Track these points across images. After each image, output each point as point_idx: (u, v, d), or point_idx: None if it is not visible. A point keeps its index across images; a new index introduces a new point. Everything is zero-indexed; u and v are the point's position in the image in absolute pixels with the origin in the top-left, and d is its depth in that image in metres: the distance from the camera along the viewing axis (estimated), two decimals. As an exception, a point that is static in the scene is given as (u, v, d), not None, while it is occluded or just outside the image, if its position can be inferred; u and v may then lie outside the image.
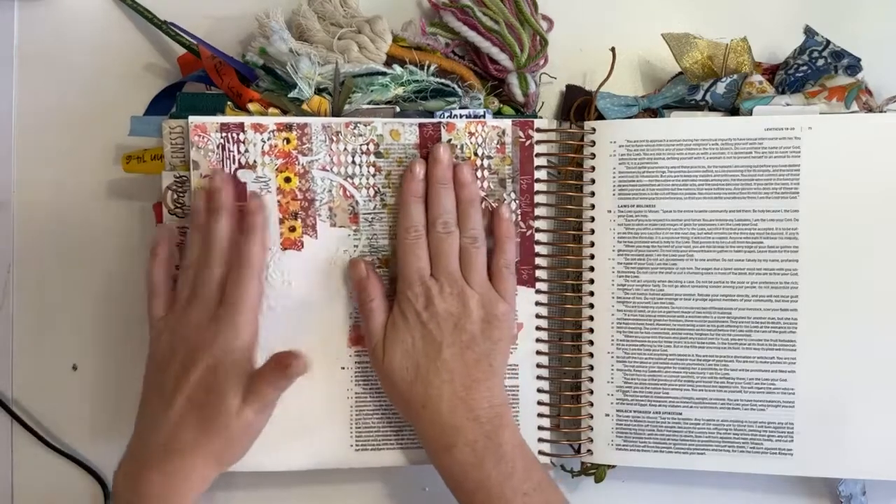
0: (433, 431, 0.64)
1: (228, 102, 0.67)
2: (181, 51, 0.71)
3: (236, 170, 0.66)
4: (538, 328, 0.70)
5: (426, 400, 0.64)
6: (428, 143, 0.67)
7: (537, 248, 0.69)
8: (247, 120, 0.66)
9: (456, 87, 0.69)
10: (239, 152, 0.66)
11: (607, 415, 0.70)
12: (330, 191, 0.67)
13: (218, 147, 0.65)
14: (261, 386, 0.60)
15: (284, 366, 0.59)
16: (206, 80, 0.69)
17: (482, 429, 0.63)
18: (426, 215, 0.67)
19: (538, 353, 0.70)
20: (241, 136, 0.66)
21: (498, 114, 0.70)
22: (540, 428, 0.70)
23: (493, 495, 0.62)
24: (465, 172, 0.67)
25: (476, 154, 0.68)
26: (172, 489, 0.59)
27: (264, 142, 0.66)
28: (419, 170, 0.67)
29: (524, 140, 0.68)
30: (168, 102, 0.70)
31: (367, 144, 0.67)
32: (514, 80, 0.69)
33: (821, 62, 0.69)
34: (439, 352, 0.64)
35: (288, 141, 0.66)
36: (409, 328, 0.65)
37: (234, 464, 0.62)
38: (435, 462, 0.65)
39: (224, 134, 0.65)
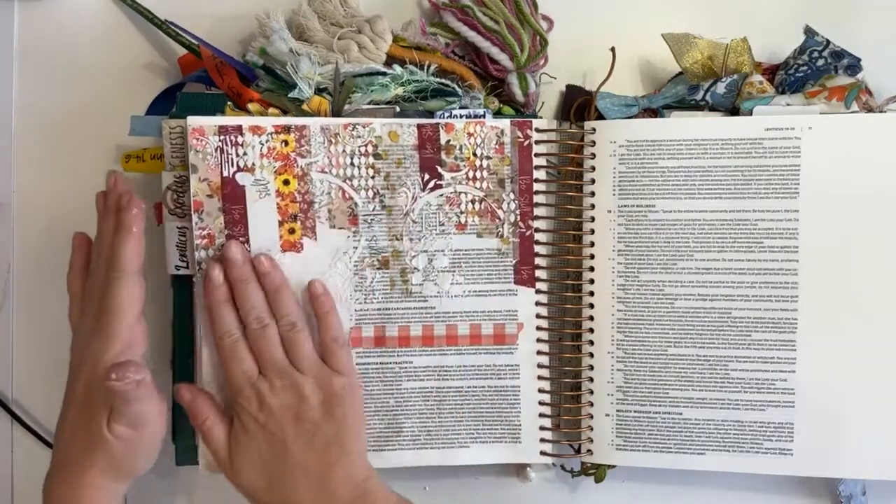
0: None
1: (228, 102, 0.67)
2: (181, 51, 0.71)
3: (235, 173, 0.66)
4: (538, 328, 0.70)
5: (286, 503, 0.62)
6: (427, 144, 0.67)
7: (537, 249, 0.69)
8: (245, 122, 0.66)
9: (456, 87, 0.69)
10: (237, 155, 0.66)
11: (607, 415, 0.70)
12: (329, 193, 0.67)
13: (216, 150, 0.65)
14: (115, 402, 0.58)
15: (108, 380, 0.57)
16: (207, 81, 0.69)
17: None
18: (238, 316, 0.65)
19: (539, 353, 0.70)
20: (240, 139, 0.66)
21: (498, 114, 0.69)
22: (541, 428, 0.70)
23: None
24: (263, 263, 0.65)
25: (475, 154, 0.68)
26: (74, 501, 0.59)
27: (262, 144, 0.66)
28: (217, 274, 0.64)
29: (522, 140, 0.68)
30: (168, 103, 0.70)
31: (366, 146, 0.67)
32: (514, 80, 0.69)
33: (821, 62, 0.68)
34: (286, 450, 0.62)
35: (286, 143, 0.66)
36: (251, 436, 0.63)
37: (138, 475, 0.62)
38: None
39: (222, 137, 0.65)
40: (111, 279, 0.61)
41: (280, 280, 0.65)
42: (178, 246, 0.67)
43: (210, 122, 0.65)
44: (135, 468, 0.61)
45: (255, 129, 0.66)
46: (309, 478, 0.62)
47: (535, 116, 0.70)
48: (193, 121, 0.65)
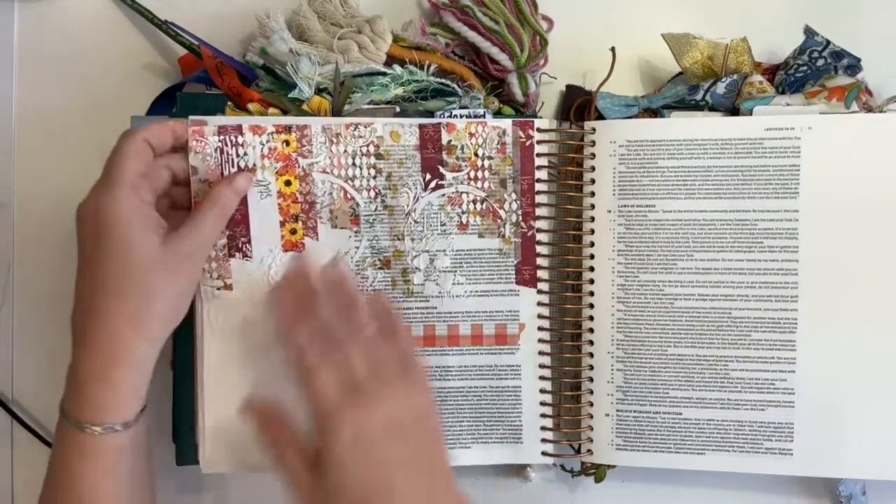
0: None
1: (228, 103, 0.67)
2: (181, 51, 0.71)
3: (235, 174, 0.66)
4: (540, 329, 0.70)
5: None
6: (428, 144, 0.67)
7: (538, 249, 0.69)
8: (245, 122, 0.65)
9: (456, 87, 0.69)
10: (238, 155, 0.65)
11: (607, 415, 0.70)
12: (330, 193, 0.67)
13: (216, 151, 0.65)
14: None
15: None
16: (207, 81, 0.69)
17: None
18: (311, 333, 0.61)
19: (540, 353, 0.70)
20: (240, 139, 0.65)
21: (498, 114, 0.69)
22: (542, 428, 0.70)
23: None
24: (333, 274, 0.63)
25: (477, 154, 0.68)
26: (89, 361, 0.59)
27: (263, 144, 0.65)
28: (284, 292, 0.63)
29: (525, 140, 0.68)
30: (168, 103, 0.70)
31: (368, 146, 0.67)
32: (514, 80, 0.69)
33: (821, 62, 0.69)
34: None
35: (287, 143, 0.66)
36: None
37: (167, 333, 0.60)
38: None
39: (222, 137, 0.65)
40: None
41: (352, 291, 0.62)
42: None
43: (210, 121, 0.65)
44: (174, 314, 0.60)
45: (256, 129, 0.65)
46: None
47: (536, 116, 0.70)
48: (193, 122, 0.65)
